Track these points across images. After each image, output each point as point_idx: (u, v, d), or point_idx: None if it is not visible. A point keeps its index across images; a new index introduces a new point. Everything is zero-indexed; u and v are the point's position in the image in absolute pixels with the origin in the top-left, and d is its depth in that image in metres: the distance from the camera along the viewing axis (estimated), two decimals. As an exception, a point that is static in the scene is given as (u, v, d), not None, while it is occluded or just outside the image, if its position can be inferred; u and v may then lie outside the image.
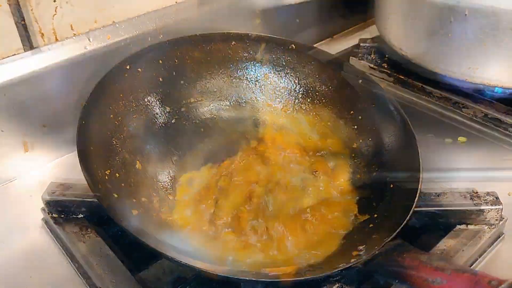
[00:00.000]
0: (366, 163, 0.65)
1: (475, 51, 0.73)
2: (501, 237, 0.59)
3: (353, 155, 0.67)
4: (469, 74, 0.75)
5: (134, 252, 0.57)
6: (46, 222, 0.61)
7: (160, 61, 0.70)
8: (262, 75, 0.76)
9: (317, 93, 0.74)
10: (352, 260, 0.48)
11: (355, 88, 0.70)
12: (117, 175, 0.58)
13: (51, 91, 0.69)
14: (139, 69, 0.68)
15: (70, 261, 0.57)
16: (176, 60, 0.72)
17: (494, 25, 0.69)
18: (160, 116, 0.69)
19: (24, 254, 0.58)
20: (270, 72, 0.76)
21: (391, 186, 0.57)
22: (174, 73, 0.71)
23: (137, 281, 0.52)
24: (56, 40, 0.69)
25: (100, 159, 0.57)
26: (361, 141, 0.67)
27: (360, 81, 0.71)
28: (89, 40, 0.71)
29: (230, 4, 0.85)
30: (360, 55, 0.92)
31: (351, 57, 0.92)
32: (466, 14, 0.70)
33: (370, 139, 0.66)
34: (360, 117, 0.69)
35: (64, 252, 0.58)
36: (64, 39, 0.69)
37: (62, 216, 0.60)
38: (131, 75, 0.67)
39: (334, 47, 1.01)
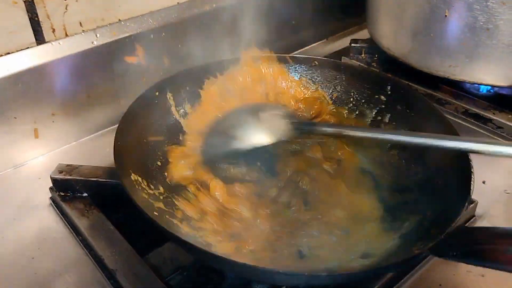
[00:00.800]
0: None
1: (455, 50, 0.78)
2: (472, 220, 0.63)
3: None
4: (451, 71, 0.80)
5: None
6: (53, 201, 0.67)
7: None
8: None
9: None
10: (417, 251, 0.47)
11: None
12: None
13: (60, 82, 0.74)
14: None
15: (74, 234, 0.62)
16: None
17: (471, 26, 0.74)
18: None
19: (34, 229, 0.64)
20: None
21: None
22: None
23: (135, 250, 0.57)
24: (66, 35, 0.75)
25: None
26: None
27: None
28: (96, 36, 0.76)
29: (229, 6, 0.90)
30: (351, 54, 0.97)
31: (342, 56, 0.97)
32: (446, 16, 0.75)
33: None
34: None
35: (69, 226, 0.63)
36: (73, 34, 0.75)
37: (69, 194, 0.65)
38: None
39: (328, 47, 1.06)
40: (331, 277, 0.45)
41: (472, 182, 0.53)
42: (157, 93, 0.69)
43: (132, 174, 0.58)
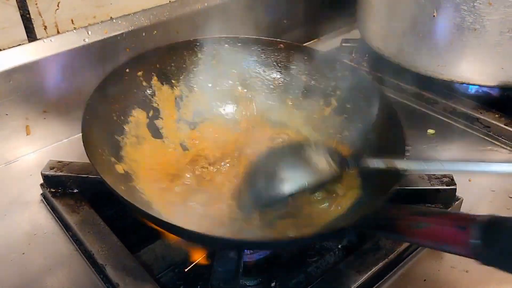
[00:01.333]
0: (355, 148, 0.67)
1: (443, 50, 0.79)
2: (457, 217, 0.64)
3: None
4: (439, 71, 0.81)
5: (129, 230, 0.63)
6: (44, 197, 0.67)
7: (158, 65, 0.73)
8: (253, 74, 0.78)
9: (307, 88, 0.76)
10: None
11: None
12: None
13: (51, 79, 0.75)
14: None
15: (65, 230, 0.62)
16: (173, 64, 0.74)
17: (459, 26, 0.75)
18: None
19: (24, 225, 0.64)
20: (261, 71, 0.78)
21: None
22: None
23: (125, 246, 0.58)
24: (58, 32, 0.75)
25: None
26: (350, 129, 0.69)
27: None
28: (88, 33, 0.77)
29: (221, 4, 0.91)
30: (342, 54, 0.98)
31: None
32: (434, 16, 0.76)
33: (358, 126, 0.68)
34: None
35: (60, 222, 0.63)
36: (65, 32, 0.76)
37: (59, 190, 0.65)
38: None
39: (320, 47, 1.07)
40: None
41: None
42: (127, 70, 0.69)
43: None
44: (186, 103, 0.74)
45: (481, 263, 0.39)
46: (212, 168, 0.68)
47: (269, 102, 0.77)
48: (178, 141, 0.72)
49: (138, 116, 0.69)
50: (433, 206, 0.62)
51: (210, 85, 0.76)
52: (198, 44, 0.76)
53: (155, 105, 0.71)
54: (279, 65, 0.78)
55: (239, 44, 0.77)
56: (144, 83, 0.71)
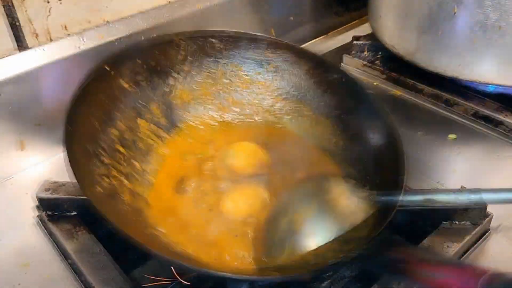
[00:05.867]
0: (350, 162, 0.64)
1: (465, 49, 0.74)
2: (487, 233, 0.59)
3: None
4: (459, 71, 0.76)
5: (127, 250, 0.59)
6: (40, 219, 0.62)
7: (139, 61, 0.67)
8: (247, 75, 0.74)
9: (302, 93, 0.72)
10: (342, 256, 0.49)
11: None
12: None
13: (45, 91, 0.70)
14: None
15: (63, 257, 0.58)
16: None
17: (483, 23, 0.70)
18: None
19: (18, 250, 0.60)
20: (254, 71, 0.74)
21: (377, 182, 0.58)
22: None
23: (129, 277, 0.53)
24: (50, 40, 0.70)
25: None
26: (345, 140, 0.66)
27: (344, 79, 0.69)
28: (82, 40, 0.72)
29: (224, 3, 0.86)
30: (353, 52, 0.93)
31: (344, 54, 0.93)
32: (454, 13, 0.71)
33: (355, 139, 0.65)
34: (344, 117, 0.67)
35: (57, 248, 0.59)
36: (58, 39, 0.70)
37: (56, 214, 0.61)
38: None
39: (328, 44, 1.02)
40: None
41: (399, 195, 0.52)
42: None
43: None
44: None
45: None
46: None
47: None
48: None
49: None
50: (461, 223, 0.57)
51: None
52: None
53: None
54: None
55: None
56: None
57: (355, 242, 0.51)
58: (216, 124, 0.72)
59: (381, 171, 0.59)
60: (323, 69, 0.70)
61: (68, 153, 0.52)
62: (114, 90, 0.64)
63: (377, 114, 0.62)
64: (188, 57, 0.71)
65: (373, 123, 0.62)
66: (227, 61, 0.73)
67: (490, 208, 0.58)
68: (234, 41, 0.72)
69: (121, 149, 0.62)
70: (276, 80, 0.73)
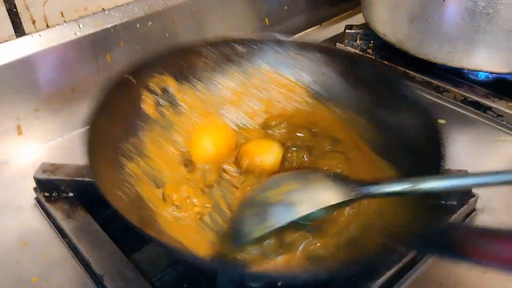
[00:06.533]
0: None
1: (454, 36, 0.75)
2: (473, 214, 0.61)
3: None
4: (449, 58, 0.78)
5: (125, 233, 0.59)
6: (38, 201, 0.64)
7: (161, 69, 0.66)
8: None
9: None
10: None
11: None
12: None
13: (43, 76, 0.71)
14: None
15: (60, 236, 0.59)
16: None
17: (471, 10, 0.71)
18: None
19: (18, 230, 0.61)
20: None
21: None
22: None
23: (124, 255, 0.55)
24: (47, 26, 0.71)
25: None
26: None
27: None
28: (79, 26, 0.73)
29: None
30: (346, 41, 0.94)
31: (337, 43, 0.94)
32: (444, 0, 0.72)
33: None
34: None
35: (54, 228, 0.60)
36: (55, 25, 0.72)
37: (53, 195, 0.62)
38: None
39: (322, 34, 1.03)
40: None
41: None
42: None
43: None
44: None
45: None
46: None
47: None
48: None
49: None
50: (447, 203, 0.59)
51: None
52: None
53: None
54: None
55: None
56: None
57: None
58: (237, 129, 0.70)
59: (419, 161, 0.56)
60: (352, 65, 0.68)
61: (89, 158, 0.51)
62: (136, 100, 0.63)
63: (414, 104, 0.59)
64: (211, 64, 0.69)
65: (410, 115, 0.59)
66: (250, 66, 0.71)
67: (475, 189, 0.60)
68: (257, 45, 0.70)
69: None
70: (302, 80, 0.71)
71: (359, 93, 0.66)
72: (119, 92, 0.60)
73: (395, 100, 0.61)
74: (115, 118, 0.59)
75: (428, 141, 0.54)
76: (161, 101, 0.65)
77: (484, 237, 0.41)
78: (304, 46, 0.70)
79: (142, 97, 0.63)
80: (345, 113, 0.67)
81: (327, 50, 0.69)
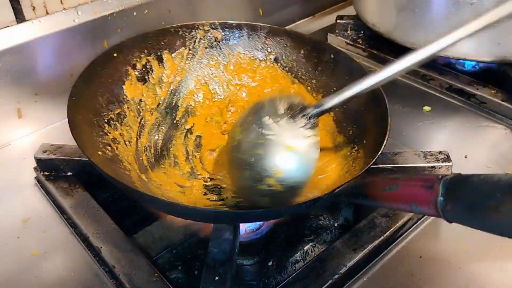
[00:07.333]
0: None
1: (439, 26, 0.78)
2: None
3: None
4: (434, 47, 0.80)
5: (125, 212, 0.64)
6: (38, 180, 0.66)
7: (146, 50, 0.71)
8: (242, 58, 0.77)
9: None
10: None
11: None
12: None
13: (42, 61, 0.73)
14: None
15: (59, 213, 0.62)
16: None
17: (455, 1, 0.74)
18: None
19: (19, 209, 0.64)
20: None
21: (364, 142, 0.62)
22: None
23: (121, 228, 0.58)
24: (47, 13, 0.74)
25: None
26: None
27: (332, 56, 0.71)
28: (77, 13, 0.75)
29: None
30: (337, 31, 0.97)
31: (328, 33, 0.97)
32: (430, -10, 0.75)
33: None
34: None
35: (54, 205, 0.63)
36: (54, 12, 0.74)
37: (53, 173, 0.65)
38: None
39: (314, 25, 1.06)
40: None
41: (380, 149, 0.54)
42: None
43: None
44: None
45: (447, 220, 0.39)
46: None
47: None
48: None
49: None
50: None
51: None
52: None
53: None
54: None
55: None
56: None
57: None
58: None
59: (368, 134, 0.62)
60: (318, 51, 0.73)
61: (69, 118, 0.56)
62: (121, 75, 0.68)
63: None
64: (191, 46, 0.74)
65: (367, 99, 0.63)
66: (229, 50, 0.76)
67: (456, 170, 0.63)
68: (234, 30, 0.75)
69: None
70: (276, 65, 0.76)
71: (319, 74, 0.72)
72: (104, 67, 0.65)
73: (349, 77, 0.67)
74: (98, 89, 0.64)
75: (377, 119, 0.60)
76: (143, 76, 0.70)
77: (389, 181, 0.45)
78: (273, 31, 0.75)
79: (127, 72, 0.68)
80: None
81: (294, 35, 0.75)
